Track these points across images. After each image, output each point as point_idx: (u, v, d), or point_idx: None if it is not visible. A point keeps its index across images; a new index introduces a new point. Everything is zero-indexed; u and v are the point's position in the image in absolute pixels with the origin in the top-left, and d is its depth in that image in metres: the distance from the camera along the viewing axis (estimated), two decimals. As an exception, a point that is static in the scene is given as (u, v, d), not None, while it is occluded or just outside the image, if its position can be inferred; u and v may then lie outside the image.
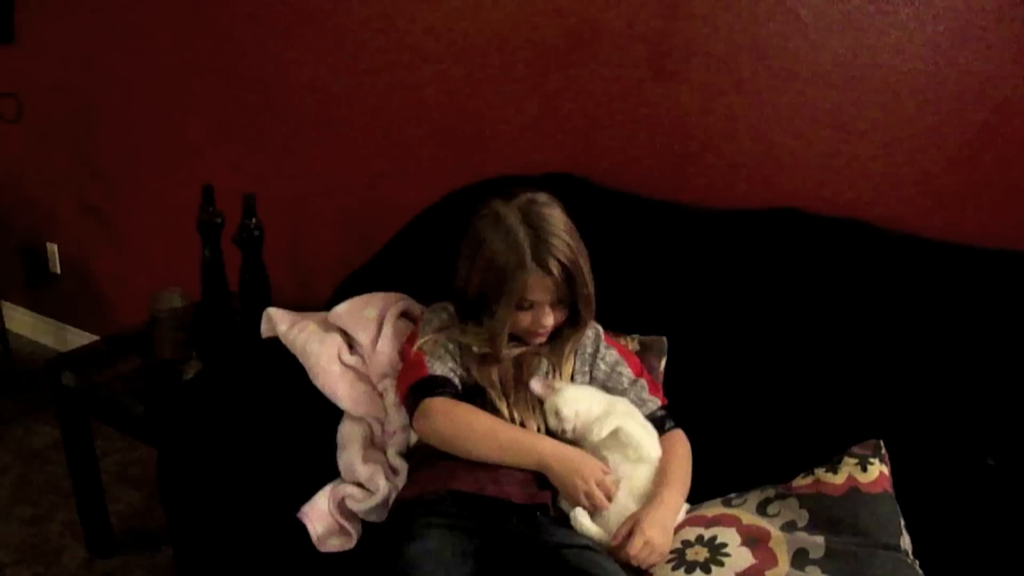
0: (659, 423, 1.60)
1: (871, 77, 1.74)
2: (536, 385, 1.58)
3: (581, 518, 1.46)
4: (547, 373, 1.63)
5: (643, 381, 1.64)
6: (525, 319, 1.57)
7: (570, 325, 1.63)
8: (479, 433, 1.52)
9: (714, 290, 1.78)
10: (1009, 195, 1.68)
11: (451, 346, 1.63)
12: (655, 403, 1.63)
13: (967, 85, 1.67)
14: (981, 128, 1.67)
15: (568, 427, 1.53)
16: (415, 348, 1.63)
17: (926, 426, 1.55)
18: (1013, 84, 1.63)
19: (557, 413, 1.54)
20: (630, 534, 1.41)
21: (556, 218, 1.55)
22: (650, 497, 1.48)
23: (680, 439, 1.60)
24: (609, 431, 1.50)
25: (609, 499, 1.47)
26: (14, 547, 2.41)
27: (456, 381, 1.59)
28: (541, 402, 1.58)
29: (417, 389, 1.57)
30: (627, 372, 1.65)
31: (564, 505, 1.49)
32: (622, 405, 1.58)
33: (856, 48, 1.74)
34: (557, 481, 1.49)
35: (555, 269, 1.51)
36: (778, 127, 1.85)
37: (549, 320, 1.58)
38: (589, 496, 1.46)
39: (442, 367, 1.59)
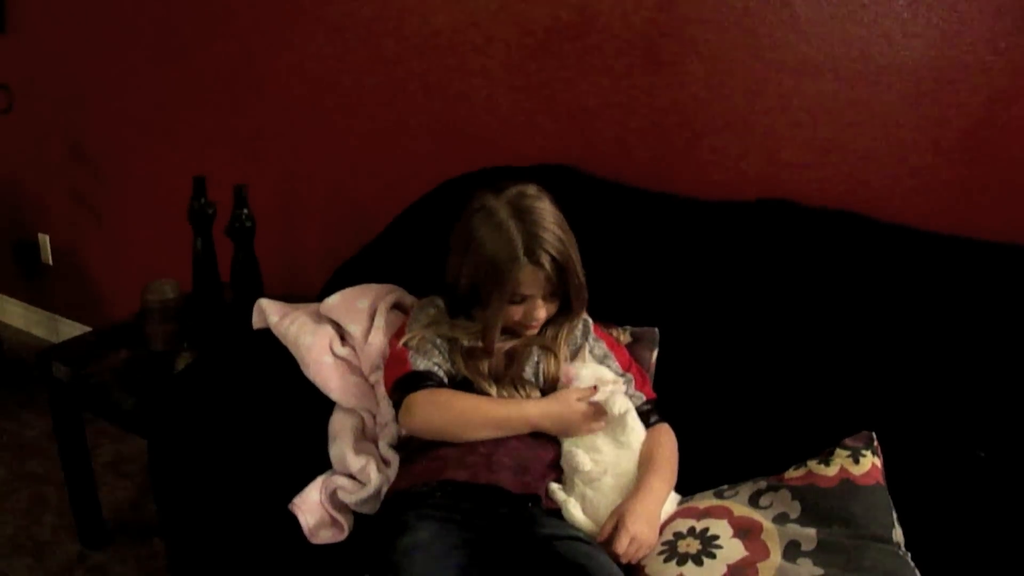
0: (644, 417, 1.60)
1: (865, 67, 1.74)
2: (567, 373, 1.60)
3: (572, 509, 1.47)
4: (538, 362, 1.63)
5: (630, 376, 1.64)
6: (517, 312, 1.57)
7: (562, 316, 1.63)
8: (466, 414, 1.53)
9: (707, 281, 1.78)
10: (1005, 187, 1.68)
11: (438, 340, 1.62)
12: (640, 398, 1.63)
13: (962, 75, 1.66)
14: (976, 119, 1.67)
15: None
16: (399, 344, 1.63)
17: (918, 418, 1.55)
18: (1008, 74, 1.62)
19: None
20: (616, 529, 1.41)
21: (546, 211, 1.55)
22: (634, 488, 1.48)
23: (666, 432, 1.60)
24: (624, 409, 1.51)
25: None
26: (6, 539, 2.40)
27: (440, 374, 1.59)
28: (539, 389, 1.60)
29: (400, 385, 1.57)
30: (615, 366, 1.65)
31: (556, 496, 1.48)
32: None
33: (850, 38, 1.74)
34: (555, 432, 1.54)
35: (546, 262, 1.51)
36: (772, 117, 1.85)
37: (541, 313, 1.58)
38: (588, 420, 1.51)
39: (425, 362, 1.59)
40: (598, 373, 1.58)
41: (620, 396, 1.52)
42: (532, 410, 1.54)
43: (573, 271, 1.55)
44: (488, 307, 1.56)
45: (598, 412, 1.52)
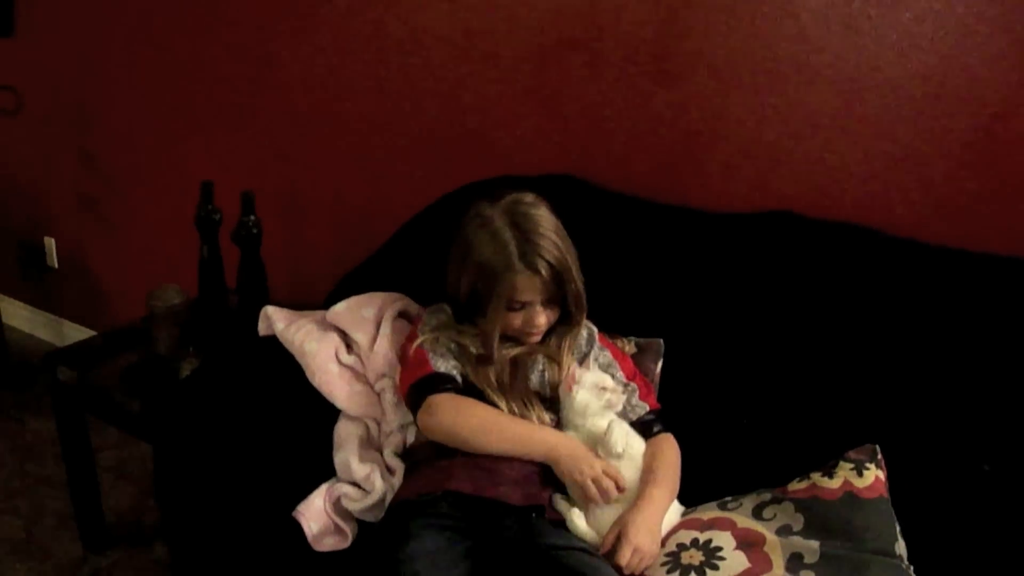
0: (647, 427, 1.60)
1: (871, 80, 1.74)
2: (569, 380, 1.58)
3: (576, 519, 1.47)
4: (543, 371, 1.63)
5: (634, 385, 1.64)
6: (517, 319, 1.58)
7: (563, 323, 1.64)
8: (487, 427, 1.53)
9: (712, 293, 1.78)
10: (1011, 199, 1.68)
11: (452, 345, 1.63)
12: (644, 408, 1.63)
13: (967, 88, 1.67)
14: (982, 132, 1.67)
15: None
16: (415, 345, 1.63)
17: (922, 431, 1.55)
18: (1014, 88, 1.63)
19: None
20: (618, 541, 1.41)
21: (542, 218, 1.56)
22: (636, 499, 1.47)
23: (669, 442, 1.60)
24: (623, 446, 1.50)
25: (606, 500, 1.47)
26: (8, 542, 2.41)
27: (458, 378, 1.60)
28: (542, 400, 1.60)
29: (421, 386, 1.58)
30: (619, 375, 1.65)
31: (559, 507, 1.49)
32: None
33: (856, 51, 1.74)
34: (563, 471, 1.50)
35: (543, 269, 1.52)
36: (778, 130, 1.85)
37: (541, 319, 1.58)
38: (596, 481, 1.46)
39: (445, 364, 1.60)
40: (601, 380, 1.57)
41: (618, 431, 1.51)
42: (552, 438, 1.53)
43: (571, 278, 1.56)
44: (487, 314, 1.57)
45: (609, 471, 1.47)
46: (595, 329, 1.70)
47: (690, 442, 1.61)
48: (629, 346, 1.76)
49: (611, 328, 1.75)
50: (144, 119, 2.93)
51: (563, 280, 1.55)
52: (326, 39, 2.42)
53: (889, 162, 1.77)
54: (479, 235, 1.57)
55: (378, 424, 1.71)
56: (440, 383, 1.57)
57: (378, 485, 1.57)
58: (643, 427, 1.60)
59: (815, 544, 1.36)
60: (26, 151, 3.32)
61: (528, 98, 2.14)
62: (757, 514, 1.45)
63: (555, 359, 1.63)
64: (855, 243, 1.73)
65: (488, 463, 1.50)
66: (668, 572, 1.38)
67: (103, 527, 2.40)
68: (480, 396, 1.58)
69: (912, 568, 1.35)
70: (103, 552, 2.38)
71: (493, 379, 1.59)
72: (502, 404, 1.57)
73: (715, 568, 1.36)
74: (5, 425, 2.94)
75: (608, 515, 1.47)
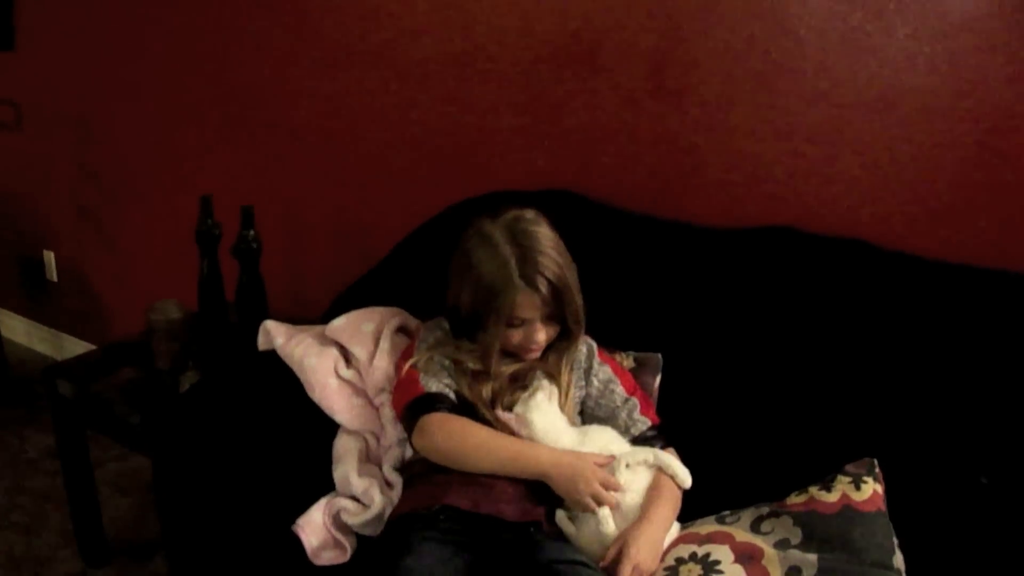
0: (649, 443, 1.60)
1: (869, 95, 1.75)
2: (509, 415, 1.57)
3: (606, 517, 1.46)
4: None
5: (635, 400, 1.64)
6: (516, 336, 1.58)
7: (562, 339, 1.64)
8: (478, 447, 1.53)
9: (710, 308, 1.79)
10: (1006, 214, 1.69)
11: (446, 362, 1.63)
12: (645, 423, 1.63)
13: (965, 104, 1.67)
14: (979, 147, 1.68)
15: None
16: (408, 365, 1.64)
17: (920, 445, 1.56)
18: (1010, 102, 1.63)
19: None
20: (619, 556, 1.41)
21: (543, 235, 1.56)
22: (639, 515, 1.47)
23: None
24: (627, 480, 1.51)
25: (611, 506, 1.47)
26: (7, 556, 2.41)
27: (451, 396, 1.60)
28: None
29: (414, 407, 1.58)
30: (619, 390, 1.65)
31: (559, 522, 1.49)
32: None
33: (854, 67, 1.75)
34: (559, 489, 1.49)
35: (542, 286, 1.52)
36: (776, 144, 1.86)
37: (541, 336, 1.59)
38: (595, 497, 1.46)
39: (437, 383, 1.60)
40: (553, 423, 1.56)
41: (622, 471, 1.51)
42: (544, 456, 1.51)
43: (570, 295, 1.56)
44: (486, 330, 1.58)
45: (608, 483, 1.48)
46: (594, 344, 1.71)
47: (688, 456, 1.60)
48: (628, 361, 1.77)
49: (610, 343, 1.75)
50: (144, 133, 2.94)
51: (563, 297, 1.55)
52: (326, 56, 2.43)
53: (887, 176, 1.77)
54: (480, 251, 1.57)
55: (377, 438, 1.72)
56: (432, 403, 1.57)
57: (377, 499, 1.57)
58: (645, 443, 1.60)
59: (813, 558, 1.36)
60: (26, 165, 3.34)
61: (526, 114, 2.15)
62: (755, 528, 1.45)
63: (554, 376, 1.63)
64: (853, 258, 1.73)
65: (486, 478, 1.50)
66: (667, 586, 1.39)
67: (103, 541, 2.40)
68: (475, 412, 1.58)
69: (910, 581, 1.36)
70: (102, 566, 2.39)
71: (487, 396, 1.60)
72: (490, 417, 1.57)
73: (713, 582, 1.36)
74: (4, 439, 2.94)
75: (631, 515, 1.48)
